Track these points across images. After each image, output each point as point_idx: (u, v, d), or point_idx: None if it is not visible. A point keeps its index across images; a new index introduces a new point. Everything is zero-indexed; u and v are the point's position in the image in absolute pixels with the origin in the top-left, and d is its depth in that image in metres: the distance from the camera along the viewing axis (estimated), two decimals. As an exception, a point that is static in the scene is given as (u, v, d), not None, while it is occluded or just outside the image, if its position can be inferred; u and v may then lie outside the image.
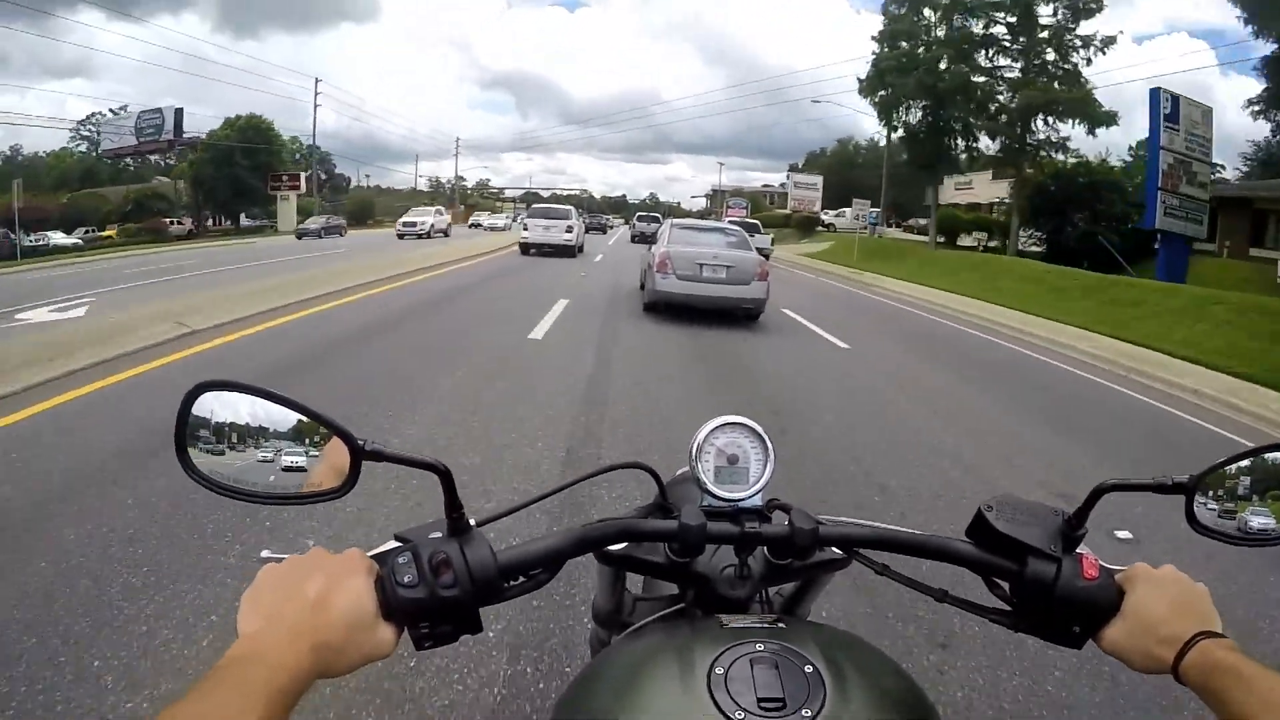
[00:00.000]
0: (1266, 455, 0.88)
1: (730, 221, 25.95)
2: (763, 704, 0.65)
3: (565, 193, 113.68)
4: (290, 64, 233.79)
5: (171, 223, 51.13)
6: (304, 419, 0.78)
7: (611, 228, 67.61)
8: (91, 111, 61.85)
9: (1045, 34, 31.84)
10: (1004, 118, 33.00)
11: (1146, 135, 26.10)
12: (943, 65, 33.24)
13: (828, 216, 57.96)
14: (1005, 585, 0.88)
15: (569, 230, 25.53)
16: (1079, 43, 31.37)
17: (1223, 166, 36.02)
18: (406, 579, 0.72)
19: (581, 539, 0.85)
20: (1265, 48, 24.15)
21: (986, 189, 59.84)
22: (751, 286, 11.85)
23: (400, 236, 41.54)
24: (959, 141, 34.80)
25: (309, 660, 0.63)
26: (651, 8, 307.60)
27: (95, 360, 6.74)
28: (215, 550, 3.31)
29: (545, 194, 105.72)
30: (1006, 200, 56.67)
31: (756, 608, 0.97)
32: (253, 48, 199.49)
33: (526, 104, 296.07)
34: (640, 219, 45.43)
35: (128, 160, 60.36)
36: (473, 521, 0.79)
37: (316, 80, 59.40)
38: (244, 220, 60.32)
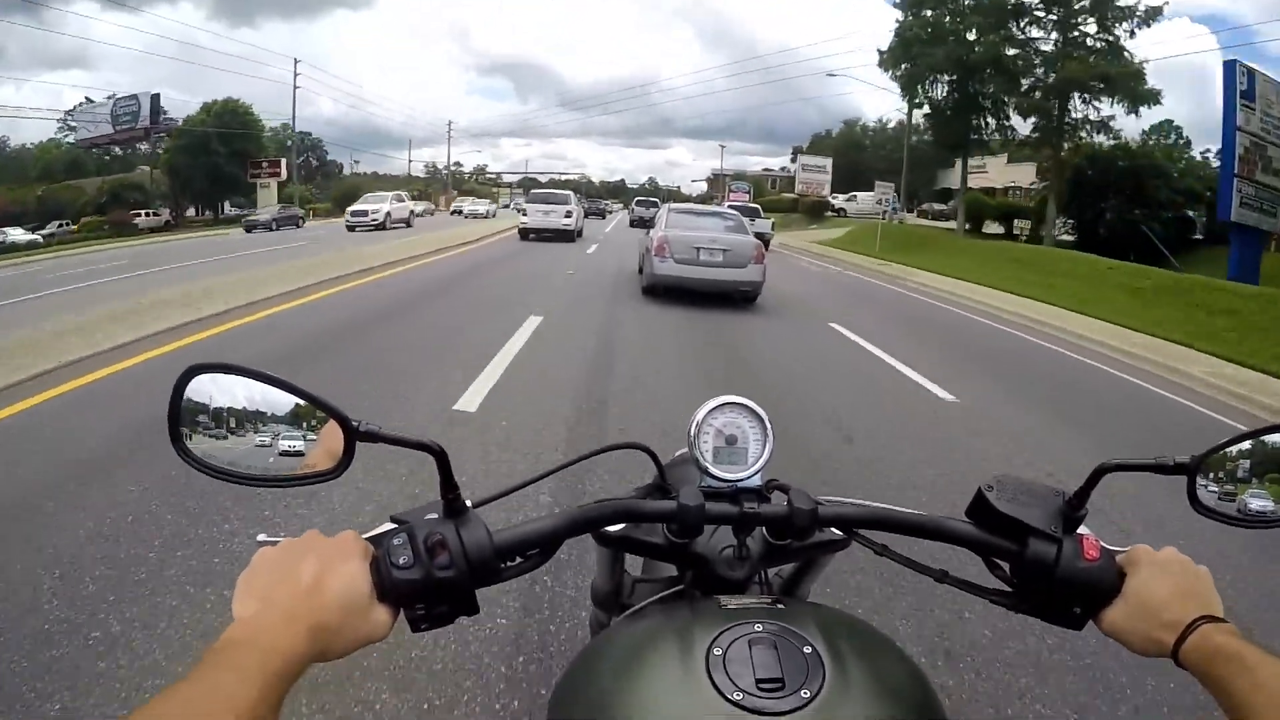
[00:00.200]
0: (1266, 437, 0.87)
1: (731, 206, 25.38)
2: (761, 684, 0.64)
3: (564, 178, 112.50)
4: (287, 52, 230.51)
5: (147, 214, 48.28)
6: (300, 402, 0.76)
7: (610, 213, 66.15)
8: (79, 101, 59.11)
9: (1085, 2, 28.64)
10: (1038, 94, 29.94)
11: (1162, 119, 24.16)
12: (971, 36, 29.94)
13: (838, 201, 54.67)
14: (1005, 566, 0.86)
15: (568, 215, 25.30)
16: (1121, 14, 28.20)
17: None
18: (402, 560, 0.72)
19: (579, 519, 0.85)
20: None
21: (1001, 173, 57.14)
22: (748, 270, 11.88)
23: (350, 229, 33.59)
24: (988, 120, 31.55)
25: (304, 643, 0.62)
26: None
27: None
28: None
29: (543, 179, 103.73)
30: (1021, 185, 55.08)
31: (755, 589, 0.98)
32: (249, 35, 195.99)
33: (525, 89, 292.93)
34: (639, 204, 44.88)
35: (116, 150, 57.73)
36: (469, 503, 0.79)
37: (296, 61, 55.95)
38: (229, 209, 57.41)
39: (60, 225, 44.80)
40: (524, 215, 26.15)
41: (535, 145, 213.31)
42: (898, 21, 32.34)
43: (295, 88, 55.78)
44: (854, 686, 0.66)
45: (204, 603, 2.80)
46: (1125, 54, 28.40)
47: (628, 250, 19.93)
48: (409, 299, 11.04)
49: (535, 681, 2.49)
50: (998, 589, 0.88)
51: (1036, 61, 29.75)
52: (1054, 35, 29.46)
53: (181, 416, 0.75)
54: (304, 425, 0.77)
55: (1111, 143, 31.02)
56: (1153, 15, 27.85)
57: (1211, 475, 0.87)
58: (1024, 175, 53.53)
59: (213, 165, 53.41)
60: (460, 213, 55.26)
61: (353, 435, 0.74)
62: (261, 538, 0.73)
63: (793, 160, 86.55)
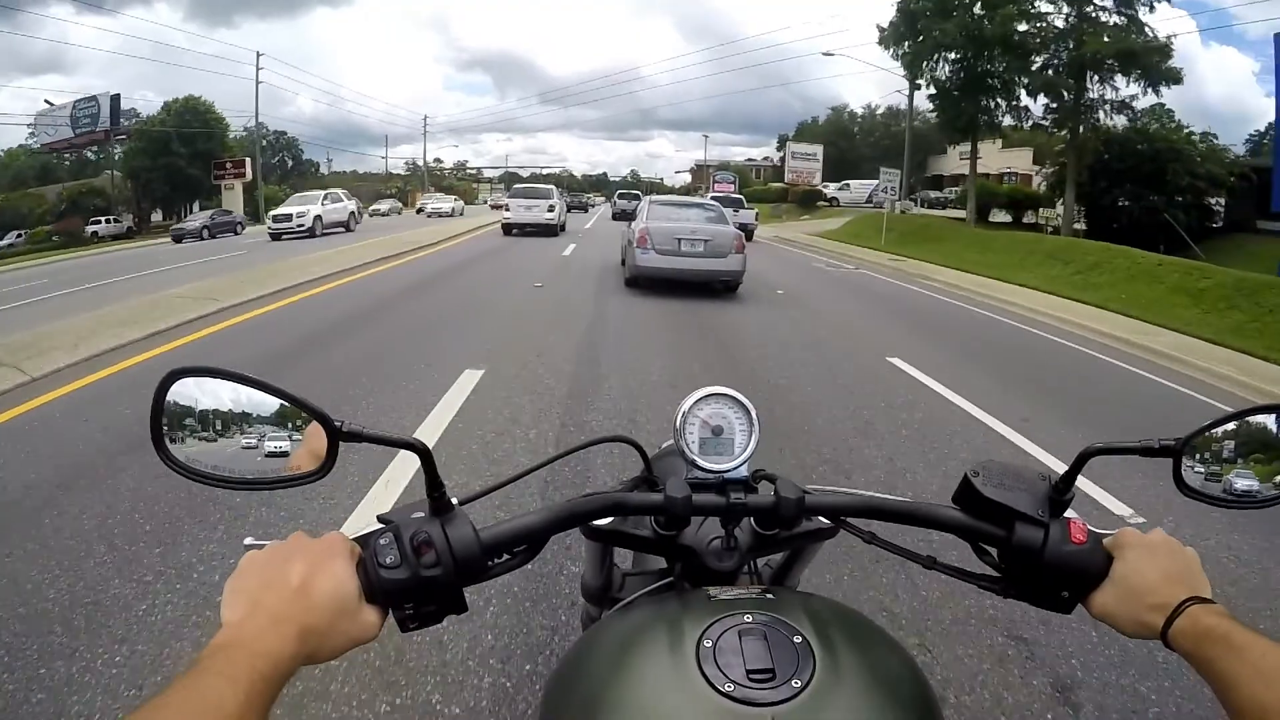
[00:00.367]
0: (1251, 419, 0.87)
1: (714, 197, 25.54)
2: (752, 675, 0.64)
3: (545, 172, 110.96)
4: (268, 51, 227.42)
5: (107, 221, 45.12)
6: (283, 403, 0.75)
7: (593, 206, 64.30)
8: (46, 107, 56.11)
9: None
10: (1050, 72, 27.38)
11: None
12: (978, 9, 27.27)
13: (830, 190, 52.08)
14: (993, 551, 0.86)
15: (550, 210, 25.06)
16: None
17: None
18: (388, 560, 0.71)
19: (566, 514, 0.84)
20: None
21: (996, 158, 54.57)
22: (729, 259, 11.94)
23: (275, 237, 27.83)
24: (998, 100, 28.81)
25: (293, 646, 0.62)
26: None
27: None
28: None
29: (525, 174, 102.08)
30: (1018, 171, 52.82)
31: (745, 579, 0.97)
32: (227, 36, 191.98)
33: (505, 84, 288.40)
34: (621, 196, 44.30)
35: (89, 154, 53.98)
36: (455, 500, 0.78)
37: (258, 55, 52.51)
38: (197, 213, 54.42)
39: (19, 235, 41.85)
40: (507, 211, 25.75)
41: (516, 140, 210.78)
42: (898, -4, 29.57)
43: (258, 83, 52.34)
44: (845, 675, 0.66)
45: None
46: (1147, 29, 25.95)
47: (610, 249, 18.11)
48: (284, 349, 7.33)
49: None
50: (986, 574, 0.87)
51: (1052, 36, 27.02)
52: (1067, 10, 26.87)
53: (165, 420, 0.74)
54: (289, 426, 0.76)
55: (1126, 125, 28.53)
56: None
57: (1197, 456, 0.87)
58: (1020, 160, 51.26)
59: (173, 167, 50.19)
60: (423, 211, 50.44)
61: (335, 435, 0.73)
62: (248, 541, 0.73)
63: (779, 149, 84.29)
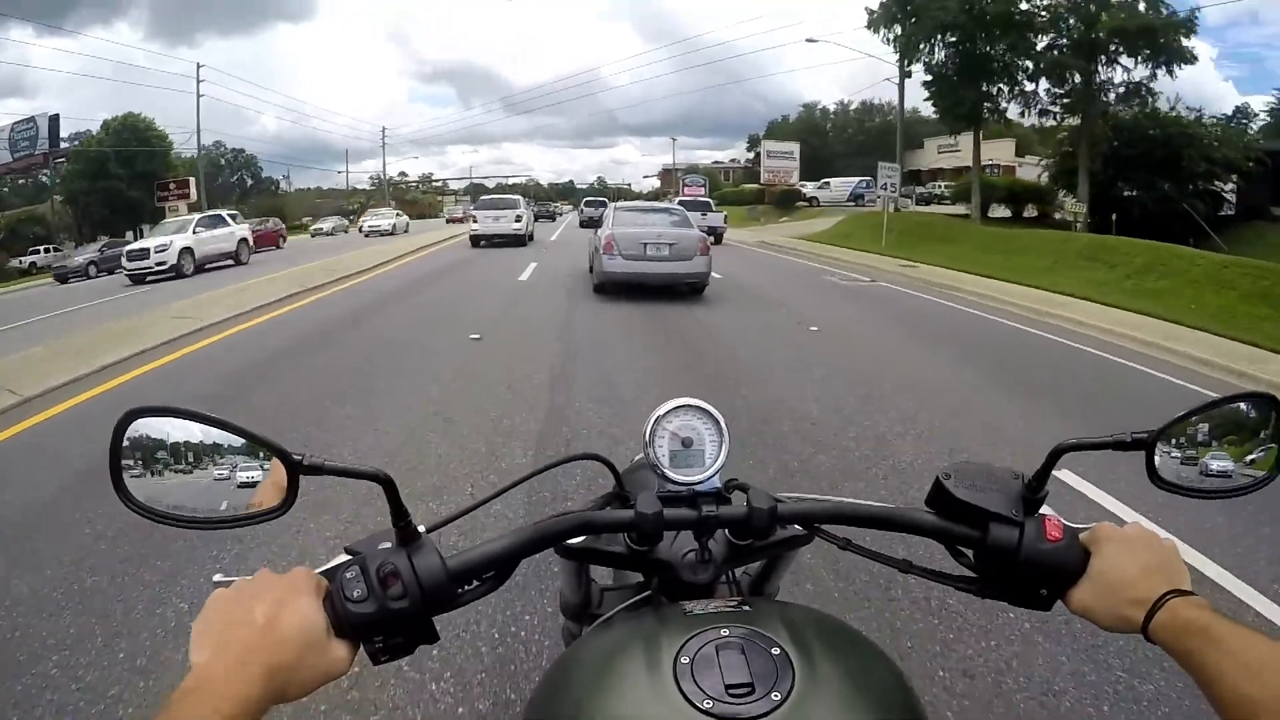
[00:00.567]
0: (1224, 406, 0.87)
1: (681, 201, 25.46)
2: (730, 690, 0.63)
3: (511, 182, 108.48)
4: (228, 68, 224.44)
5: (46, 250, 40.89)
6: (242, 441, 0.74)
7: (560, 214, 62.75)
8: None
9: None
10: (1056, 52, 24.84)
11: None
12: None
13: (809, 189, 49.37)
14: (969, 553, 0.85)
15: (518, 220, 24.73)
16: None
17: None
18: (355, 594, 0.70)
19: (535, 537, 0.82)
20: None
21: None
22: (694, 262, 12.00)
23: (135, 280, 20.71)
24: (999, 85, 26.15)
25: (261, 686, 0.60)
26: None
27: None
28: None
29: (491, 185, 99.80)
30: (1000, 163, 50.52)
31: (724, 589, 0.96)
32: (188, 54, 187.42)
33: (469, 95, 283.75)
34: (587, 204, 43.33)
35: (43, 178, 50.28)
36: (422, 528, 0.77)
37: (198, 66, 48.79)
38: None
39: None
40: (474, 223, 25.33)
41: (482, 151, 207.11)
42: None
43: (199, 96, 48.53)
44: (825, 685, 0.65)
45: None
46: (1162, 4, 23.51)
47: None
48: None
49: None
50: (963, 575, 0.86)
51: (1063, 10, 24.43)
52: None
53: (128, 459, 0.72)
54: (260, 456, 0.75)
55: (1135, 109, 26.02)
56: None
57: (1173, 442, 0.85)
58: (1001, 152, 48.84)
59: (113, 190, 46.61)
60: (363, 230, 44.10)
61: (295, 469, 0.72)
62: (217, 578, 0.71)
63: (750, 149, 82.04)
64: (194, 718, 0.55)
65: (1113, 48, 23.92)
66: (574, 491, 3.82)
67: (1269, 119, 28.11)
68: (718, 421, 0.91)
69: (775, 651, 0.67)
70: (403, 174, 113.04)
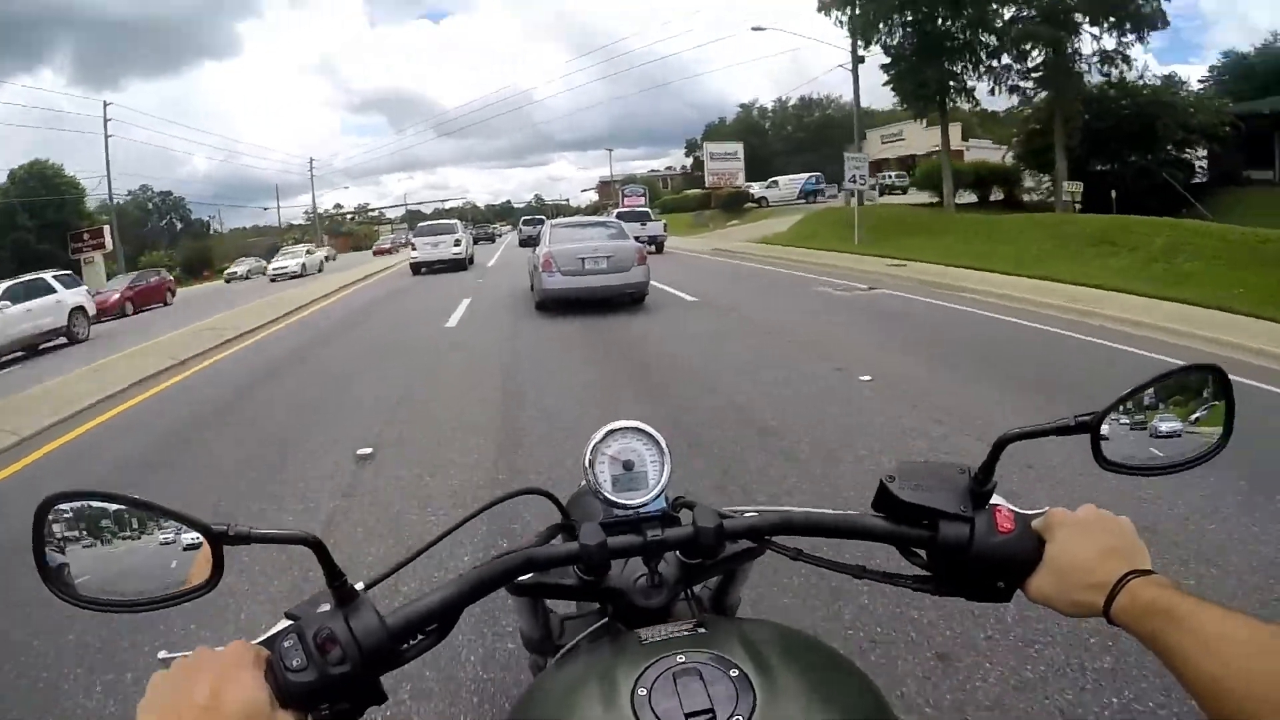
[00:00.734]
0: (1170, 379, 0.85)
1: (619, 213, 25.83)
2: (690, 717, 0.62)
3: (448, 206, 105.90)
4: (156, 110, 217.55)
5: None
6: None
7: (500, 235, 61.14)
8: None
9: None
10: (1020, 25, 22.94)
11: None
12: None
13: (756, 189, 47.27)
14: (922, 552, 0.84)
15: (457, 244, 24.36)
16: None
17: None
18: (295, 663, 0.67)
19: (478, 582, 0.79)
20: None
21: (921, 138, 50.48)
22: (632, 272, 11.96)
23: None
24: (963, 64, 23.90)
25: None
26: (517, 9, 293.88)
27: None
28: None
29: (428, 210, 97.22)
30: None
31: (684, 606, 0.91)
32: (113, 97, 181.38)
33: (401, 122, 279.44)
34: (526, 223, 42.45)
35: None
36: (360, 585, 0.74)
37: (105, 104, 45.51)
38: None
39: None
40: (414, 250, 24.97)
41: (418, 177, 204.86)
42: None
43: (107, 136, 44.96)
44: (787, 701, 0.64)
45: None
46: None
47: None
48: None
49: None
50: (917, 575, 0.85)
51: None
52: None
53: (49, 545, 0.69)
54: (182, 533, 0.72)
55: (1108, 79, 24.24)
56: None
57: (1121, 410, 0.83)
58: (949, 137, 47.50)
59: (20, 243, 42.50)
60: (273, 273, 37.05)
61: (219, 541, 0.69)
62: (162, 655, 0.69)
63: (688, 154, 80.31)
64: None
65: (1079, 17, 22.07)
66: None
67: (1203, 86, 26.52)
68: (658, 442, 0.90)
69: (734, 673, 0.65)
70: (338, 206, 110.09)
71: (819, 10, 25.12)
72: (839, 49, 28.09)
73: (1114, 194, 21.76)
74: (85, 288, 21.13)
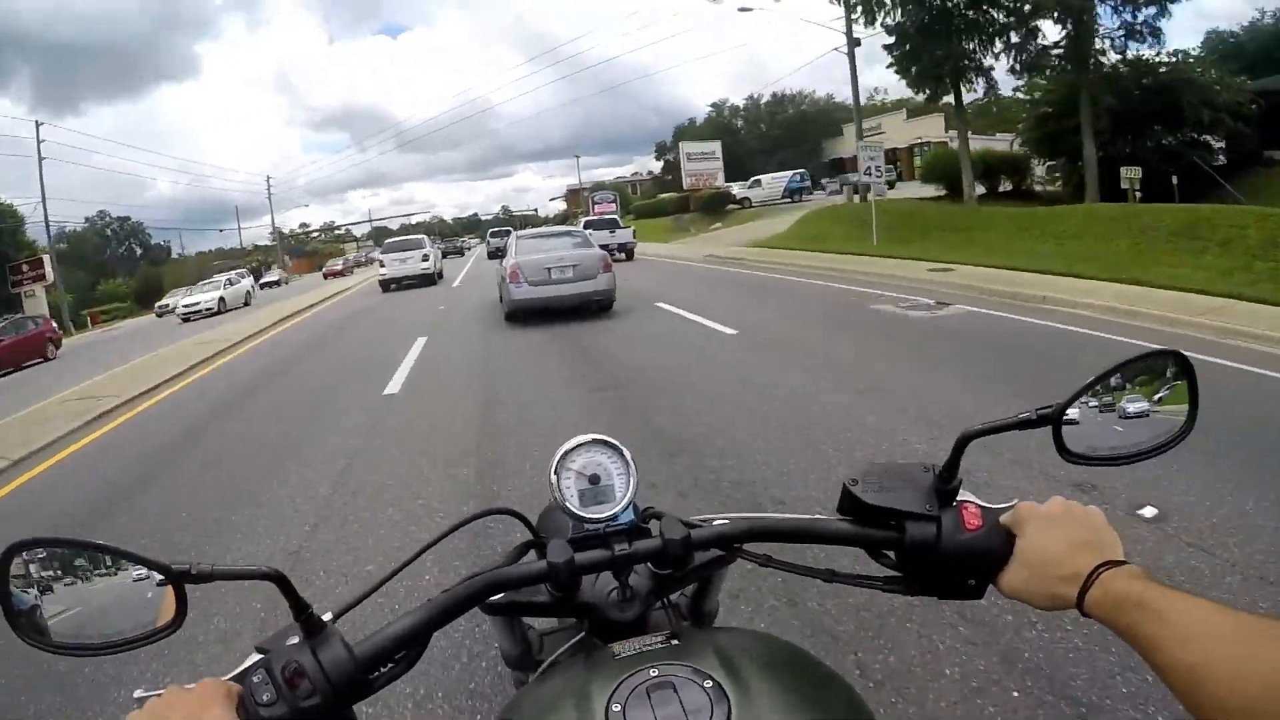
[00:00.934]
0: (1129, 366, 0.83)
1: (588, 222, 26.35)
2: None
3: (415, 220, 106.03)
4: (114, 135, 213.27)
5: None
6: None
7: (469, 249, 61.12)
8: None
9: None
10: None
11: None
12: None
13: (738, 190, 44.89)
14: (891, 554, 0.84)
15: (425, 259, 24.36)
16: None
17: None
18: (265, 698, 0.67)
19: (447, 606, 0.79)
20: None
21: (901, 130, 48.46)
22: (598, 280, 11.97)
23: None
24: (976, 40, 21.48)
25: None
26: (474, 21, 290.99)
27: None
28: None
29: (395, 226, 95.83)
30: (930, 140, 46.70)
31: (661, 616, 0.94)
32: (74, 123, 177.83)
33: (363, 138, 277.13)
34: (493, 235, 42.86)
35: None
36: (328, 616, 0.75)
37: (38, 124, 41.95)
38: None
39: None
40: (382, 267, 24.69)
41: (383, 193, 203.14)
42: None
43: (41, 158, 41.64)
44: (763, 709, 0.63)
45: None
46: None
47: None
48: None
49: None
50: (888, 575, 0.84)
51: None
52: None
53: (14, 594, 0.69)
54: (145, 576, 0.72)
55: (1133, 56, 22.05)
56: None
57: (1086, 397, 0.82)
58: (930, 128, 45.15)
59: None
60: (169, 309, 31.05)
61: (180, 580, 0.69)
62: (138, 694, 0.69)
63: (658, 158, 77.86)
64: None
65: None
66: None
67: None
68: (622, 454, 0.89)
69: (708, 684, 0.65)
70: (303, 225, 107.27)
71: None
72: (833, 30, 25.70)
73: (1175, 181, 19.41)
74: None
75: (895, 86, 51.39)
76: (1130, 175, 18.51)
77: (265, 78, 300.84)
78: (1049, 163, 26.86)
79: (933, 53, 20.95)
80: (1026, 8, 20.54)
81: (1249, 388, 5.61)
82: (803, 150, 58.64)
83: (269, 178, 76.97)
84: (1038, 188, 27.50)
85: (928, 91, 23.30)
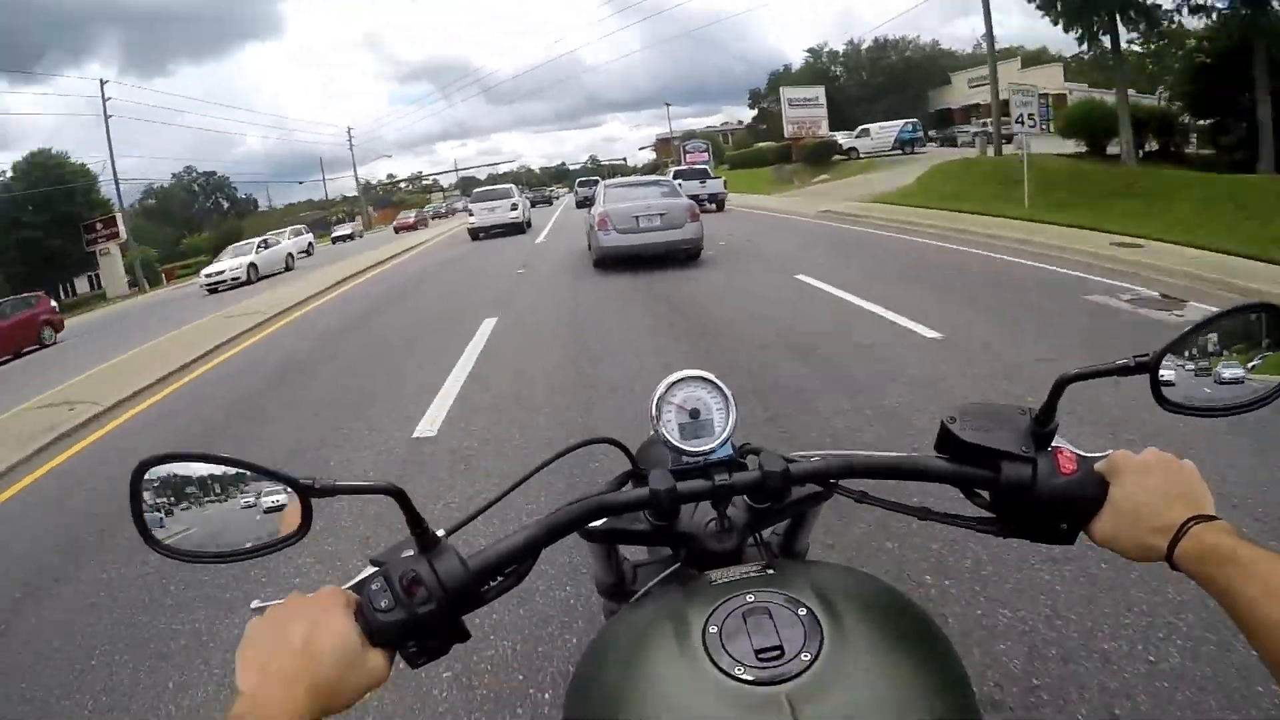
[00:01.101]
0: (1224, 321, 0.82)
1: (677, 171, 26.47)
2: (760, 655, 0.63)
3: (503, 170, 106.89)
4: (206, 95, 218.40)
5: None
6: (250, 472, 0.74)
7: (557, 198, 61.44)
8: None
9: None
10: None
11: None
12: None
13: (845, 139, 41.93)
14: (984, 494, 0.84)
15: (514, 208, 24.64)
16: None
17: None
18: (383, 604, 0.70)
19: (553, 526, 0.81)
20: None
21: (1012, 80, 44.20)
22: (685, 229, 12.06)
23: None
24: None
25: (304, 704, 0.62)
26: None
27: None
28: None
29: (483, 176, 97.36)
30: (1049, 91, 42.52)
31: (753, 552, 0.94)
32: (162, 84, 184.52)
33: (450, 90, 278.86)
34: (581, 185, 43.21)
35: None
36: (441, 532, 0.77)
37: (102, 83, 41.19)
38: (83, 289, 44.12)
39: None
40: (471, 216, 25.16)
41: (470, 144, 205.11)
42: None
43: (106, 116, 40.70)
44: (854, 641, 0.64)
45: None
46: None
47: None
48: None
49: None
50: (981, 516, 0.84)
51: None
52: None
53: (146, 507, 0.73)
54: (270, 489, 0.75)
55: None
56: None
57: (1185, 355, 0.82)
58: (1047, 79, 40.51)
59: (29, 241, 40.24)
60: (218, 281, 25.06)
61: (307, 494, 0.72)
62: (255, 604, 0.72)
63: (752, 106, 74.53)
64: None
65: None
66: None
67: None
68: (722, 390, 0.90)
69: (802, 612, 0.66)
70: (390, 175, 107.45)
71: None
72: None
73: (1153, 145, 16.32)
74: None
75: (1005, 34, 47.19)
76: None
77: (350, 33, 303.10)
78: (1201, 123, 23.65)
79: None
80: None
81: None
82: (906, 99, 55.09)
83: (350, 129, 76.22)
84: (1188, 150, 24.32)
85: (1079, 32, 20.31)
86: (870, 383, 5.32)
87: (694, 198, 15.03)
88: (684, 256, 12.34)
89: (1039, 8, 20.07)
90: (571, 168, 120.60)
